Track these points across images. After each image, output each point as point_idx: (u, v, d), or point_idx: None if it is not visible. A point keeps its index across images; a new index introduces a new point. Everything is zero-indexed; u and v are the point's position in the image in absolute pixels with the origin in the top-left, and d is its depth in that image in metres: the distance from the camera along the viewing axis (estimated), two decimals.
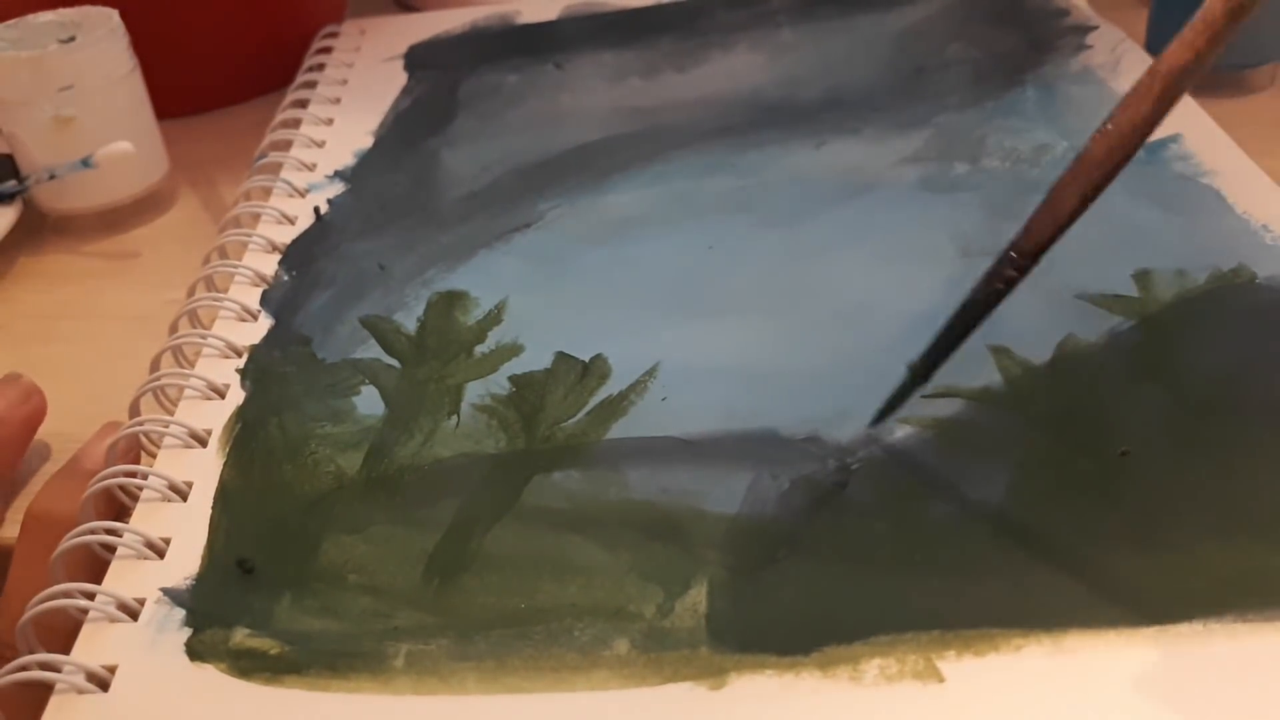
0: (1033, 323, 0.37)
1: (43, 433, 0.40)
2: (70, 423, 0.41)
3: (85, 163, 0.50)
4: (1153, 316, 0.37)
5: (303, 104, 0.57)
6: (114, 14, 0.52)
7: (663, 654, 0.28)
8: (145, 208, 0.54)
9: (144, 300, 0.47)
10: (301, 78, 0.60)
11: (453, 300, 0.42)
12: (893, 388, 0.33)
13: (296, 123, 0.55)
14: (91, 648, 0.30)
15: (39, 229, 0.53)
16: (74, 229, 0.53)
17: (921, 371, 0.33)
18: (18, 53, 0.49)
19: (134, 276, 0.50)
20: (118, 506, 0.34)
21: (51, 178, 0.51)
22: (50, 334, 0.46)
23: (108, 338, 0.46)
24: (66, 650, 0.30)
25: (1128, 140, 0.30)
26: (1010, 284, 0.31)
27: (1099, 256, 0.40)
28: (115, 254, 0.52)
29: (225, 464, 0.35)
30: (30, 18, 0.52)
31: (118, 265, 0.51)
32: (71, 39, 0.50)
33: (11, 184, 0.51)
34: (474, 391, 0.37)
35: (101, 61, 0.50)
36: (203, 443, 0.36)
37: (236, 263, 0.44)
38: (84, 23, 0.51)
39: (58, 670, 0.29)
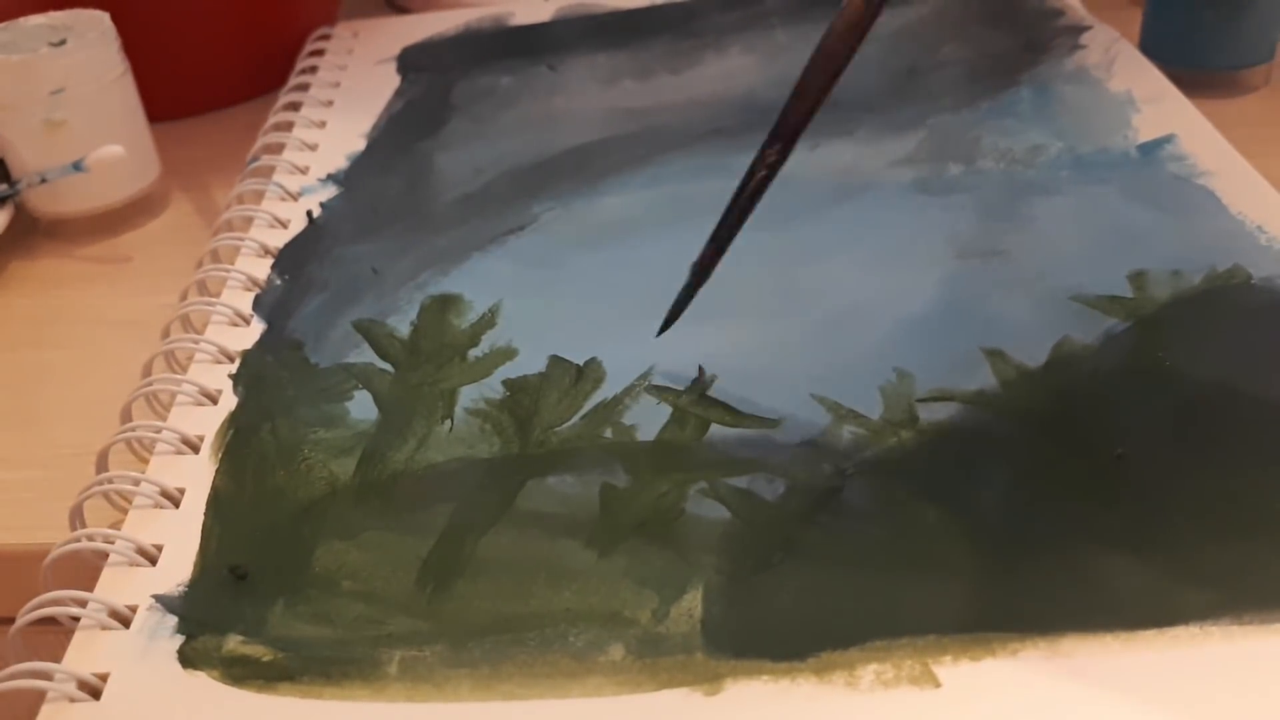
0: (1028, 325, 0.37)
1: (37, 439, 0.40)
2: (63, 428, 0.41)
3: (76, 166, 0.50)
4: (1148, 317, 0.37)
5: (295, 107, 0.57)
6: (105, 17, 0.51)
7: (658, 659, 0.28)
8: (137, 211, 0.53)
9: (136, 305, 0.47)
10: (294, 80, 0.60)
11: (446, 304, 0.41)
12: (679, 293, 0.37)
13: (289, 125, 0.55)
14: (83, 656, 0.30)
15: (31, 233, 0.53)
16: (66, 233, 0.53)
17: (702, 271, 0.36)
18: (8, 56, 0.49)
19: (126, 281, 0.50)
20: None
21: (43, 181, 0.51)
22: (42, 339, 0.46)
23: (99, 343, 0.45)
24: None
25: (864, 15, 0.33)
26: (773, 170, 0.35)
27: (1094, 258, 0.40)
28: (107, 258, 0.51)
29: (217, 470, 0.35)
30: (21, 21, 0.52)
31: (110, 269, 0.51)
32: (63, 42, 0.50)
33: (2, 188, 0.51)
34: (468, 395, 0.37)
35: (92, 65, 0.50)
36: (195, 449, 0.36)
37: (229, 267, 0.44)
38: (75, 26, 0.51)
39: (49, 679, 0.29)
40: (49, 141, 0.50)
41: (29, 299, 0.49)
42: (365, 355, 0.39)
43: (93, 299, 0.48)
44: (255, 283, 0.44)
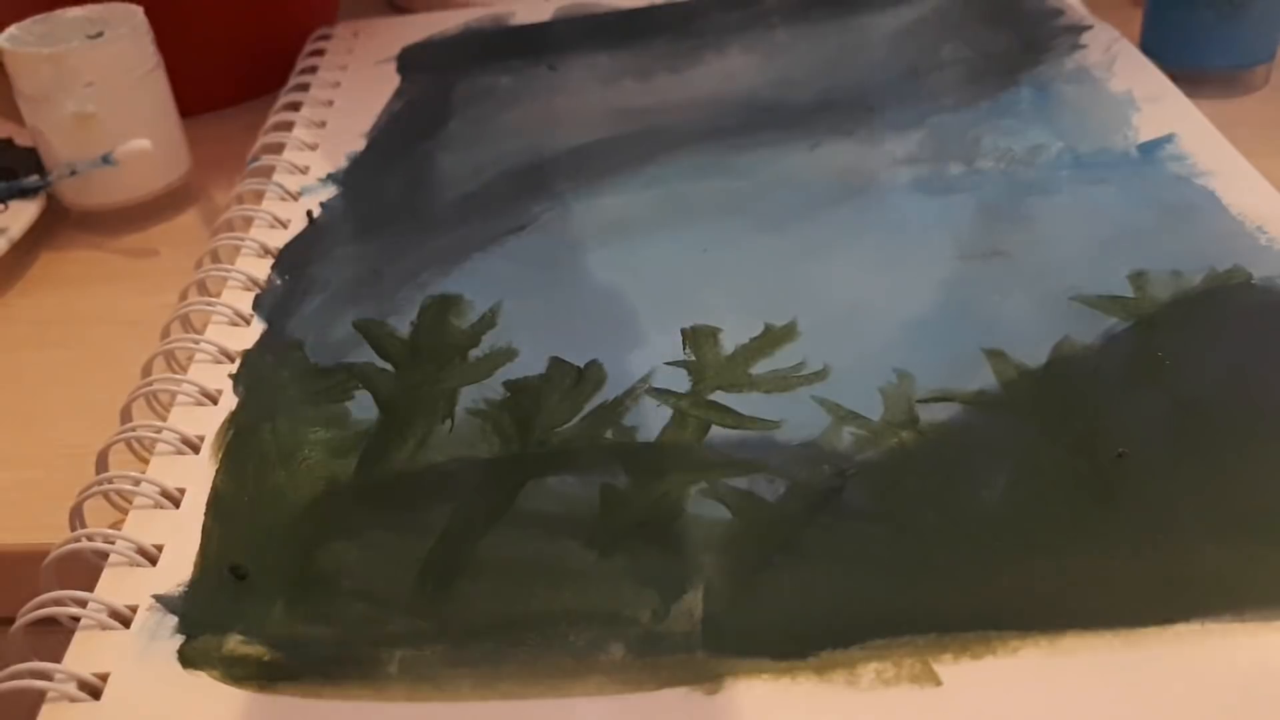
0: (1028, 325, 0.37)
1: (37, 439, 0.40)
2: (63, 428, 0.41)
3: (105, 159, 0.50)
4: (1149, 318, 0.37)
5: (295, 107, 0.57)
6: (138, 11, 0.52)
7: (658, 659, 0.28)
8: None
9: (136, 305, 0.47)
10: (294, 80, 0.60)
11: (446, 304, 0.41)
12: None
13: (289, 125, 0.55)
14: (83, 656, 0.30)
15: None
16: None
17: None
18: (39, 49, 0.49)
19: (127, 280, 0.50)
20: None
21: (73, 173, 0.51)
22: (42, 339, 0.46)
23: (99, 342, 0.45)
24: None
25: None
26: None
27: (1094, 258, 0.40)
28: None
29: (218, 470, 0.35)
30: (59, 13, 0.52)
31: (111, 269, 0.51)
32: (99, 35, 0.50)
33: (34, 179, 0.52)
34: (468, 396, 0.37)
35: (123, 58, 0.50)
36: (195, 449, 0.36)
37: (229, 267, 0.44)
38: (110, 19, 0.51)
39: (49, 678, 0.29)
40: (79, 134, 0.50)
41: (30, 299, 0.49)
42: (365, 355, 0.39)
43: (92, 299, 0.48)
44: (255, 283, 0.44)
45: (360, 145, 0.53)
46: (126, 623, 0.30)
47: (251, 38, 0.63)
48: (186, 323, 0.42)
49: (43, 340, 0.46)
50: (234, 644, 0.30)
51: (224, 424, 0.37)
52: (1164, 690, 0.26)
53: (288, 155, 0.52)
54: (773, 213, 0.45)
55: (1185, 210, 0.42)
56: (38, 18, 0.52)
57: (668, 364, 0.37)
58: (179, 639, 0.30)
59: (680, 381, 0.36)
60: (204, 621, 0.30)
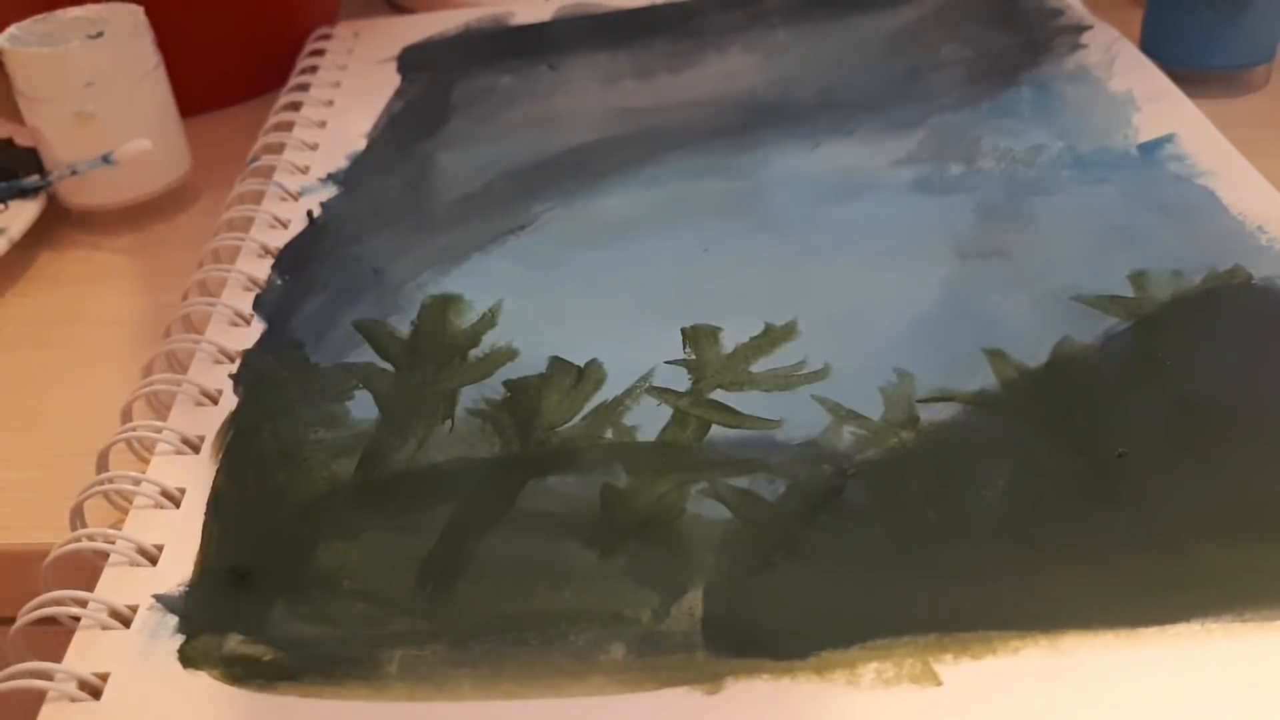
0: (1028, 325, 0.37)
1: (37, 439, 0.40)
2: (63, 428, 0.41)
3: (106, 159, 0.50)
4: (1149, 317, 0.37)
5: (295, 106, 0.57)
6: (139, 11, 0.52)
7: (658, 658, 0.28)
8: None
9: (137, 305, 0.47)
10: (294, 80, 0.60)
11: (447, 304, 0.41)
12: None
13: (289, 125, 0.55)
14: (83, 655, 0.30)
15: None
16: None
17: None
18: (40, 48, 0.50)
19: (127, 280, 0.50)
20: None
21: (73, 173, 0.51)
22: (42, 339, 0.46)
23: (99, 343, 0.45)
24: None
25: None
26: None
27: (1094, 257, 0.40)
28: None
29: (218, 470, 0.35)
30: (59, 13, 0.52)
31: (111, 269, 0.51)
32: (99, 35, 0.50)
33: (35, 179, 0.52)
34: (468, 396, 0.37)
35: (123, 58, 0.50)
36: (195, 449, 0.36)
37: (229, 267, 0.44)
38: (111, 19, 0.51)
39: (49, 678, 0.29)
40: (79, 134, 0.50)
41: (30, 299, 0.49)
42: (366, 355, 0.39)
43: (92, 298, 0.48)
44: (255, 283, 0.44)
45: (360, 145, 0.53)
46: (127, 622, 0.30)
47: (251, 38, 0.63)
48: (187, 323, 0.42)
49: (43, 340, 0.46)
50: (234, 644, 0.30)
51: (224, 424, 0.37)
52: (1164, 691, 0.26)
53: (288, 155, 0.52)
54: (773, 213, 0.45)
55: (1185, 210, 0.42)
56: (38, 18, 0.52)
57: (668, 363, 0.37)
58: (179, 639, 0.30)
59: (680, 380, 0.37)
60: (204, 621, 0.30)
